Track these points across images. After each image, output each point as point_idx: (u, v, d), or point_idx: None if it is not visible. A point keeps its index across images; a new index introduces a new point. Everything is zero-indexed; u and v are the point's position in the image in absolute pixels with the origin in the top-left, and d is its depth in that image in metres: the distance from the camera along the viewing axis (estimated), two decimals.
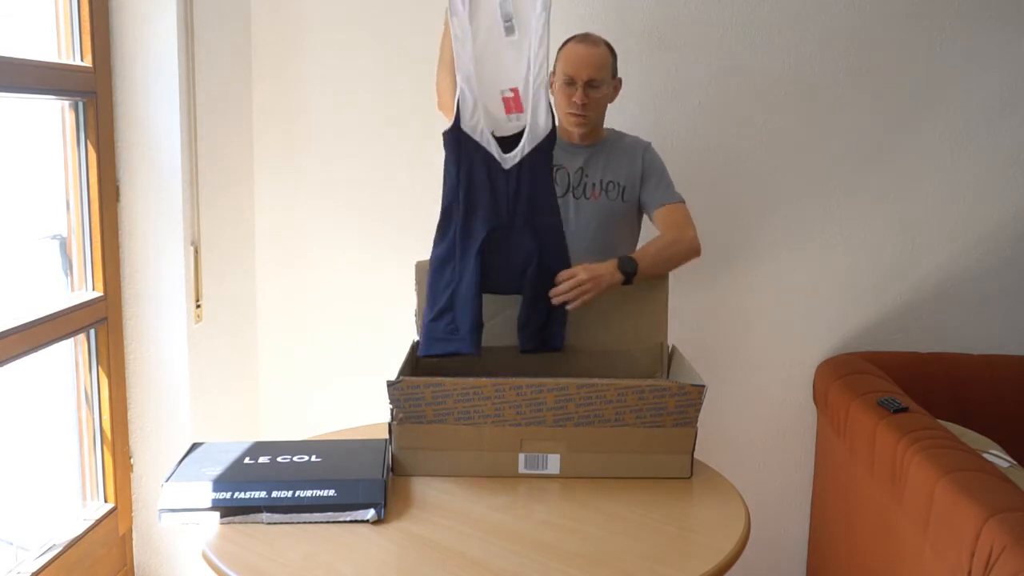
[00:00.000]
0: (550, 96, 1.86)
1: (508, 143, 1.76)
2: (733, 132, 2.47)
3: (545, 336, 1.82)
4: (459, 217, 1.75)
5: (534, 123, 1.74)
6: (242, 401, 2.55)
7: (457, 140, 1.73)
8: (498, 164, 1.74)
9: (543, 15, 1.70)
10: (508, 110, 1.75)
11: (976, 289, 2.53)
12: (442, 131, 1.75)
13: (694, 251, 2.01)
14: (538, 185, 1.77)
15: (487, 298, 1.77)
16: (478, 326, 1.74)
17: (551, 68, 2.04)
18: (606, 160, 2.09)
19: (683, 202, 2.08)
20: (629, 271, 1.85)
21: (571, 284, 1.78)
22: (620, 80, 2.10)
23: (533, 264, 1.77)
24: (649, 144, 2.15)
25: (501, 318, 1.83)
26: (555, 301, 1.79)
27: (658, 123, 2.45)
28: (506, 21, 1.72)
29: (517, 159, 1.74)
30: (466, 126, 1.72)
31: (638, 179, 2.10)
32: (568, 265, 1.81)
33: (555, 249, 1.80)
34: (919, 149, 2.47)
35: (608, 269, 1.83)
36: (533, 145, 1.75)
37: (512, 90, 1.74)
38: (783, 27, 2.41)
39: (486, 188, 1.74)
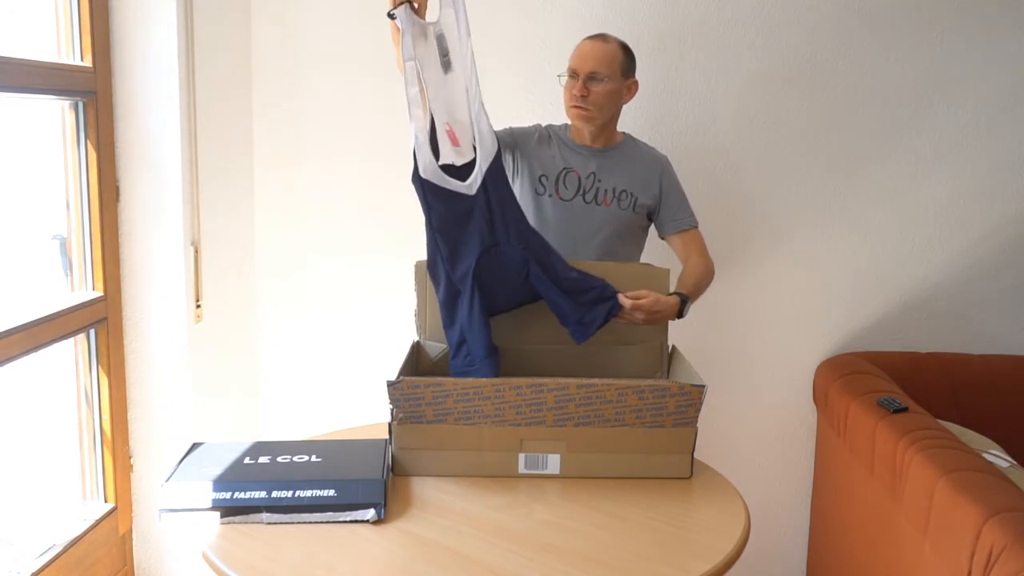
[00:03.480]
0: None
1: (463, 171, 1.79)
2: (733, 132, 2.47)
3: (593, 317, 1.81)
4: (444, 256, 1.79)
5: (482, 143, 1.78)
6: (242, 401, 2.55)
7: (421, 186, 1.77)
8: (464, 195, 1.77)
9: (467, 40, 1.74)
10: (455, 143, 1.79)
11: (976, 289, 2.53)
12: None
13: (712, 279, 2.13)
14: (504, 195, 1.81)
15: None
16: (491, 351, 1.76)
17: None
18: (620, 168, 2.09)
19: (697, 224, 2.15)
20: (685, 313, 1.93)
21: (634, 306, 1.80)
22: (636, 82, 2.09)
23: (532, 266, 1.79)
24: (667, 160, 2.15)
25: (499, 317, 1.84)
26: (621, 299, 1.81)
27: (658, 124, 2.45)
28: (443, 56, 1.76)
29: (479, 181, 1.78)
30: (424, 173, 1.76)
31: (654, 197, 2.11)
32: (548, 248, 1.83)
33: (536, 244, 1.83)
34: (919, 149, 2.47)
35: (671, 310, 1.87)
36: (488, 162, 1.78)
37: (448, 124, 1.78)
38: (783, 26, 2.42)
39: (462, 219, 1.78)
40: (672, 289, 1.94)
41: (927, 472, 1.75)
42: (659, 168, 2.13)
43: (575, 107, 2.01)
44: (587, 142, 2.08)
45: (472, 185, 1.77)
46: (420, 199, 1.79)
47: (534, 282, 1.80)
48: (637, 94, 2.11)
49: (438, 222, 1.78)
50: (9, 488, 2.01)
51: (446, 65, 1.76)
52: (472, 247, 1.78)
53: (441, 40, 1.76)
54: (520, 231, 1.81)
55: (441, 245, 1.79)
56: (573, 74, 2.01)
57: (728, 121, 2.47)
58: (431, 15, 1.78)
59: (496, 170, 1.80)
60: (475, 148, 1.78)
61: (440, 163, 1.76)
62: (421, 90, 1.74)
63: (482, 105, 1.77)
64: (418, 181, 1.77)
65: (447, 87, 1.77)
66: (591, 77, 1.99)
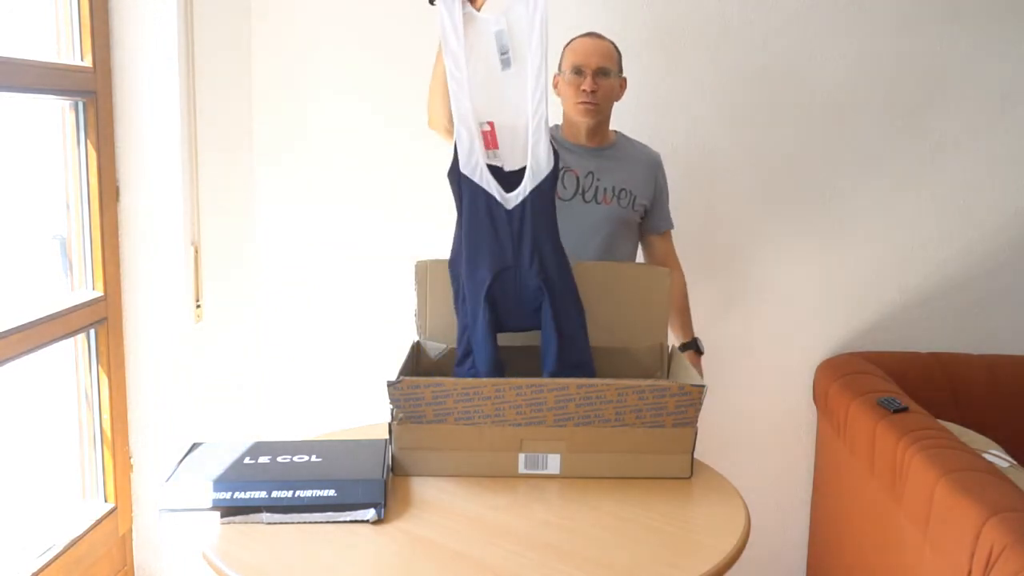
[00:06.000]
0: (550, 134, 1.84)
1: (511, 179, 1.71)
2: (732, 132, 2.47)
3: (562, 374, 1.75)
4: (465, 258, 1.74)
5: (535, 162, 1.70)
6: (242, 401, 2.55)
7: (458, 182, 1.71)
8: (499, 205, 1.70)
9: (539, 51, 1.66)
10: (487, 145, 1.71)
11: (976, 289, 2.53)
12: (446, 173, 1.73)
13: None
14: (542, 223, 1.73)
15: None
16: (496, 367, 1.71)
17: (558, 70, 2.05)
18: (618, 166, 2.09)
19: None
20: (701, 348, 2.24)
21: None
22: (625, 79, 2.10)
23: (545, 299, 1.73)
24: (660, 158, 2.17)
25: None
26: None
27: (657, 123, 2.45)
28: (503, 54, 1.68)
29: (519, 199, 1.71)
30: (465, 168, 1.69)
31: (649, 196, 2.12)
32: (577, 301, 1.78)
33: (562, 285, 1.76)
34: (919, 149, 2.47)
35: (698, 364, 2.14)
36: (535, 184, 1.71)
37: (488, 123, 1.70)
38: (782, 27, 2.42)
39: (488, 229, 1.71)
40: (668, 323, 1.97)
41: (927, 472, 1.75)
42: (655, 167, 2.14)
43: (583, 103, 2.00)
44: (582, 141, 2.08)
45: (510, 200, 1.70)
46: (455, 191, 1.73)
47: (542, 316, 1.75)
48: (637, 94, 2.12)
49: (467, 221, 1.72)
50: (9, 488, 2.01)
51: (505, 62, 1.68)
52: (490, 261, 1.72)
53: (500, 36, 1.68)
54: (543, 263, 1.73)
55: (466, 245, 1.73)
56: (578, 71, 2.00)
57: (727, 120, 2.47)
58: (498, 6, 1.69)
59: (543, 193, 1.72)
60: (528, 162, 1.70)
61: (487, 163, 1.70)
62: (462, 85, 1.67)
63: (544, 122, 1.69)
64: (455, 174, 1.71)
65: (499, 86, 1.69)
66: (600, 72, 2.00)
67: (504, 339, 1.79)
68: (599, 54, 2.01)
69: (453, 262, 1.79)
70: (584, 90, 1.99)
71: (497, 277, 1.72)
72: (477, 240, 1.72)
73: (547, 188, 1.72)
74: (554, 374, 1.73)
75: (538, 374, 1.76)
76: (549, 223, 1.75)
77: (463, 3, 1.67)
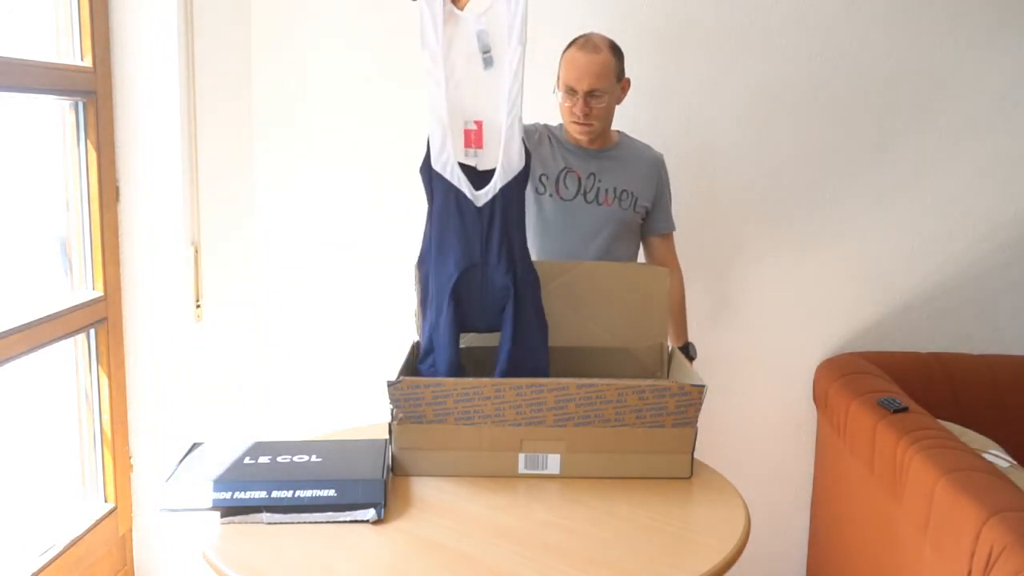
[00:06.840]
0: (523, 133, 1.83)
1: (483, 177, 1.71)
2: (733, 132, 2.47)
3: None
4: (432, 255, 1.74)
5: (507, 160, 1.69)
6: (242, 401, 2.55)
7: (429, 177, 1.71)
8: (469, 202, 1.70)
9: (518, 49, 1.66)
10: (467, 143, 1.70)
11: (976, 289, 2.53)
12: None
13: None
14: (510, 222, 1.73)
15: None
16: (456, 367, 1.71)
17: (556, 87, 2.04)
18: (620, 168, 2.08)
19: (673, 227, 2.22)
20: (693, 353, 2.21)
21: None
22: (628, 80, 2.07)
23: (510, 300, 1.73)
24: (663, 159, 2.16)
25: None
26: None
27: (658, 123, 2.45)
28: (484, 52, 1.68)
29: (489, 196, 1.71)
30: (436, 164, 1.69)
31: (651, 198, 2.11)
32: (540, 304, 1.78)
33: (526, 289, 1.76)
34: (919, 149, 2.47)
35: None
36: (505, 182, 1.70)
37: (476, 123, 1.70)
38: (782, 26, 2.42)
39: (457, 226, 1.71)
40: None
41: (927, 472, 1.75)
42: (657, 168, 2.13)
43: (576, 123, 2.00)
44: (584, 144, 2.08)
45: (481, 197, 1.70)
46: (425, 186, 1.73)
47: (504, 316, 1.74)
48: (635, 93, 2.11)
49: (437, 217, 1.72)
50: (9, 488, 2.01)
51: (487, 61, 1.68)
52: (458, 257, 1.71)
53: (482, 36, 1.67)
54: (512, 261, 1.73)
55: (435, 241, 1.74)
56: (570, 91, 1.98)
57: (727, 121, 2.47)
58: (480, 6, 1.69)
59: (513, 191, 1.72)
60: (500, 159, 1.70)
61: (458, 160, 1.70)
62: (438, 81, 1.66)
63: (518, 121, 1.69)
64: (427, 170, 1.71)
65: (483, 85, 1.69)
66: (591, 94, 1.96)
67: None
68: (591, 75, 1.95)
69: (421, 261, 1.77)
70: (576, 113, 1.98)
71: (464, 273, 1.72)
72: (446, 236, 1.72)
73: (518, 187, 1.72)
74: (504, 374, 1.72)
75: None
76: (518, 222, 1.75)
77: (444, 1, 1.66)
